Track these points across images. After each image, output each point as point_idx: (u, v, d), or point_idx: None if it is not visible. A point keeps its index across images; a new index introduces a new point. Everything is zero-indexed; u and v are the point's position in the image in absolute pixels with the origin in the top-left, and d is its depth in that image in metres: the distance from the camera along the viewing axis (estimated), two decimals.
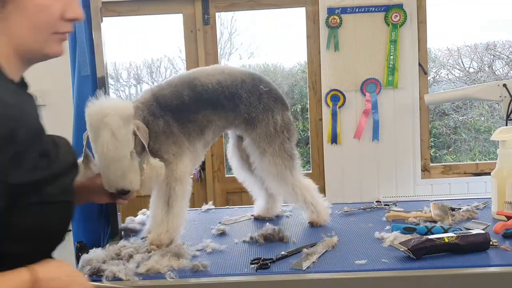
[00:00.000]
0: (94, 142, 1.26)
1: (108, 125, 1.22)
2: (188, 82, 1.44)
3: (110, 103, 1.26)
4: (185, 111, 1.41)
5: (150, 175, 1.30)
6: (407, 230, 1.38)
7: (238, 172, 1.70)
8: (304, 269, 1.17)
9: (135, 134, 1.28)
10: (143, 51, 4.34)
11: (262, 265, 1.20)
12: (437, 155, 4.52)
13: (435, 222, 1.50)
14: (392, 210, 1.69)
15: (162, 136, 1.38)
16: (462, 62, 4.68)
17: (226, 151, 1.71)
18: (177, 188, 1.38)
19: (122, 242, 1.39)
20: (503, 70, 4.64)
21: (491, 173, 1.54)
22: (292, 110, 4.18)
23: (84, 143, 1.34)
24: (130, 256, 1.28)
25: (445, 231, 1.33)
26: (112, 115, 1.22)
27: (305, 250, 1.27)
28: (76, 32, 1.51)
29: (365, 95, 3.35)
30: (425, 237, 1.23)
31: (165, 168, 1.34)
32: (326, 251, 1.29)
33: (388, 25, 3.31)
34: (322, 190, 3.43)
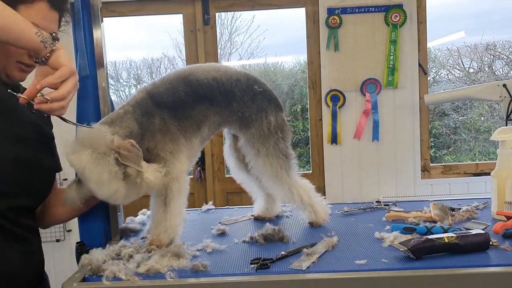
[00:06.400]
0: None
1: (87, 179, 1.24)
2: (184, 78, 1.43)
3: (79, 147, 1.24)
4: (182, 107, 1.40)
5: (147, 186, 1.30)
6: (407, 230, 1.38)
7: (235, 173, 1.69)
8: (304, 269, 1.17)
9: (119, 159, 1.26)
10: (143, 51, 4.34)
11: (262, 265, 1.20)
12: (437, 155, 4.52)
13: (435, 222, 1.50)
14: (392, 210, 1.69)
15: (158, 134, 1.36)
16: (462, 62, 4.68)
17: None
18: (174, 187, 1.37)
19: (122, 242, 1.39)
20: (503, 70, 4.64)
21: (491, 173, 1.54)
22: (292, 110, 4.18)
23: None
24: (130, 256, 1.28)
25: (445, 231, 1.33)
26: (81, 169, 1.23)
27: (305, 250, 1.27)
28: (76, 33, 1.51)
29: (365, 95, 3.35)
30: (425, 237, 1.22)
31: (162, 168, 1.33)
32: (326, 251, 1.29)
33: (388, 25, 3.31)
34: (322, 190, 3.45)
